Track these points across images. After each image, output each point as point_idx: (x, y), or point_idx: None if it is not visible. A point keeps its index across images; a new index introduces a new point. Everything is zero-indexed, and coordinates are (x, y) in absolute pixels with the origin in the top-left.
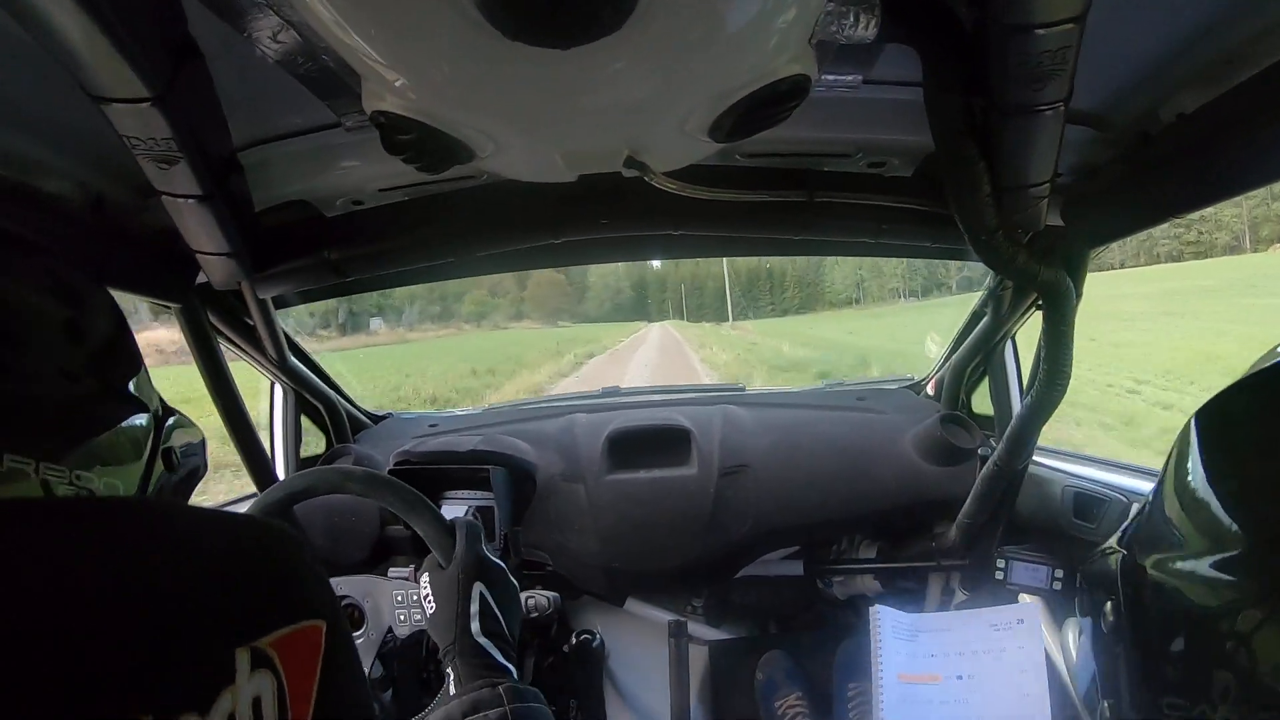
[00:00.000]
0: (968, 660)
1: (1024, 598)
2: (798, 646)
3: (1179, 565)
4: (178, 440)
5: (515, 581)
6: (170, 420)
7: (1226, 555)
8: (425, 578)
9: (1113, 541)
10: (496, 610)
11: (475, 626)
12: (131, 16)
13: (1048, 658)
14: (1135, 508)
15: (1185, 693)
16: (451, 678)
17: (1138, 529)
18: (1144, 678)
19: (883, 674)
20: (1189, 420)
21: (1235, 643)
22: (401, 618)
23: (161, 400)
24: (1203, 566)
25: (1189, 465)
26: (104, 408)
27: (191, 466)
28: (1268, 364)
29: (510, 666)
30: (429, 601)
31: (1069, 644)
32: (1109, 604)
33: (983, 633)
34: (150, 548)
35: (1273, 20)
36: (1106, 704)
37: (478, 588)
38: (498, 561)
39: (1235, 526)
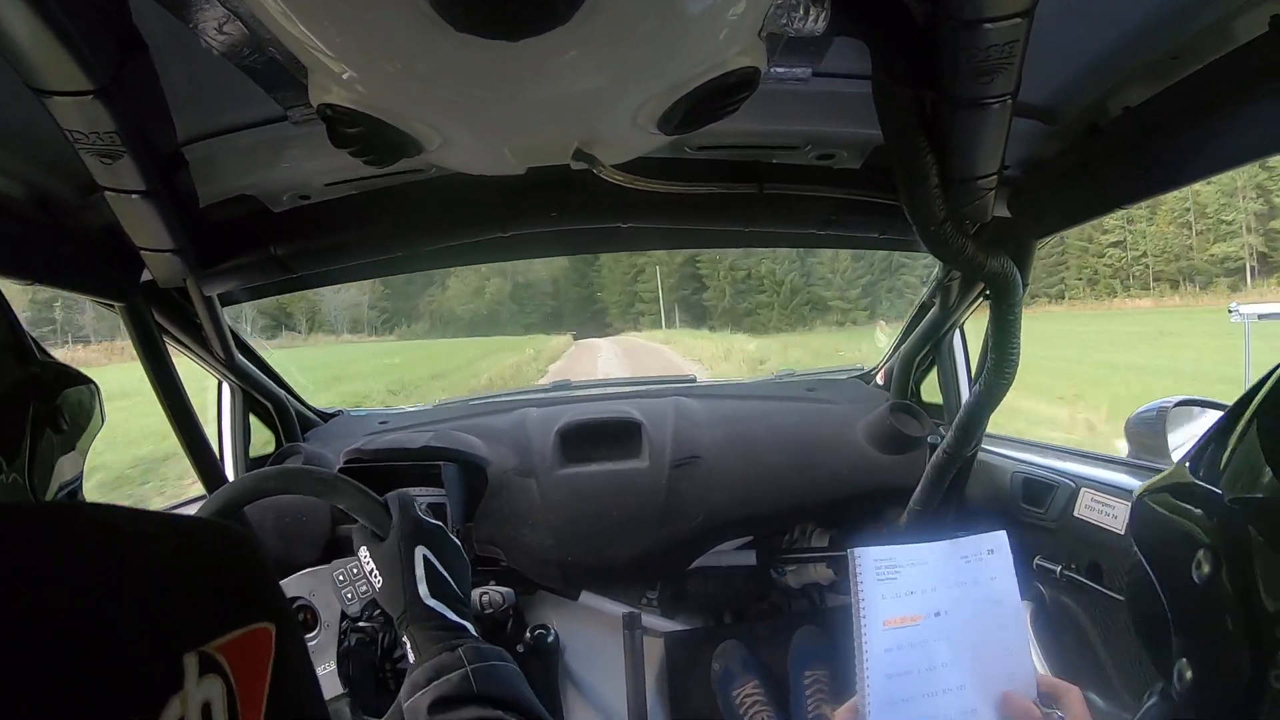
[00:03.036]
0: (942, 595)
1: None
2: (753, 636)
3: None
4: (71, 399)
5: (457, 540)
6: (52, 376)
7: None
8: (364, 552)
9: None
10: (443, 571)
11: (424, 590)
12: (75, 7)
13: None
14: (1090, 495)
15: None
16: (408, 646)
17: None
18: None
19: (866, 624)
20: (1250, 415)
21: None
22: (349, 595)
23: (39, 358)
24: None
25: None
26: None
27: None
28: None
29: (467, 624)
30: (375, 576)
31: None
32: (1202, 552)
33: (954, 564)
34: (89, 553)
35: (1216, 18)
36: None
37: (420, 552)
38: (435, 523)
39: None
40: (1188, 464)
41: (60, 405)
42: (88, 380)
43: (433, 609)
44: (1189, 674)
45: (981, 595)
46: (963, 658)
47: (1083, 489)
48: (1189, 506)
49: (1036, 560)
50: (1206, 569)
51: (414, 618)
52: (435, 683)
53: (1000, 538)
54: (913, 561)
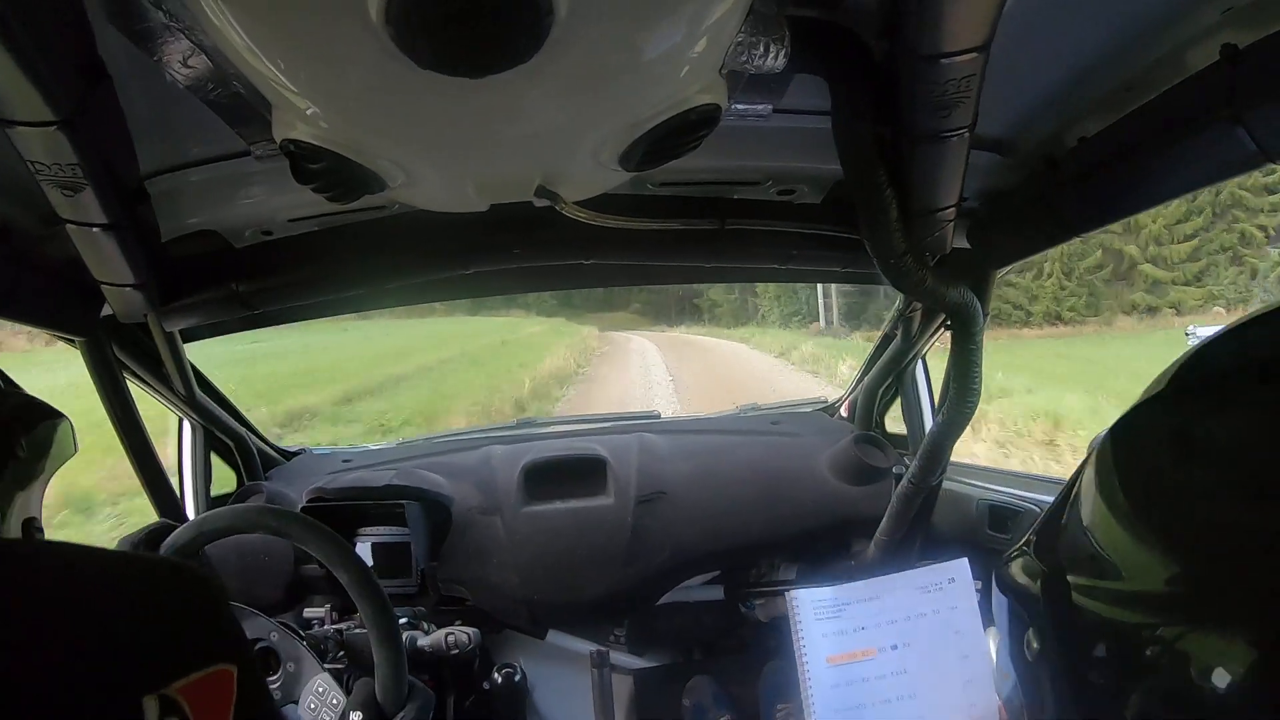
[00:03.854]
0: (900, 627)
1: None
2: (723, 671)
3: (1103, 585)
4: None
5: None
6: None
7: (1147, 572)
8: (357, 717)
9: (1023, 546)
10: None
11: None
12: (39, 37)
13: None
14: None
15: (1110, 707)
16: None
17: (1055, 540)
18: (1069, 694)
19: (808, 662)
20: (1104, 434)
21: (1157, 656)
22: (313, 706)
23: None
24: (1125, 585)
25: (1105, 479)
26: None
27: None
28: (1174, 367)
29: None
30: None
31: (989, 651)
32: (1031, 630)
33: (912, 596)
34: (46, 593)
35: (1168, 49)
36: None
37: None
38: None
39: (1153, 542)
40: (1034, 532)
41: (20, 439)
42: (57, 414)
43: None
44: None
45: (942, 625)
46: (921, 689)
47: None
48: (1023, 581)
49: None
50: (1035, 646)
51: None
52: None
53: (962, 566)
54: (862, 598)
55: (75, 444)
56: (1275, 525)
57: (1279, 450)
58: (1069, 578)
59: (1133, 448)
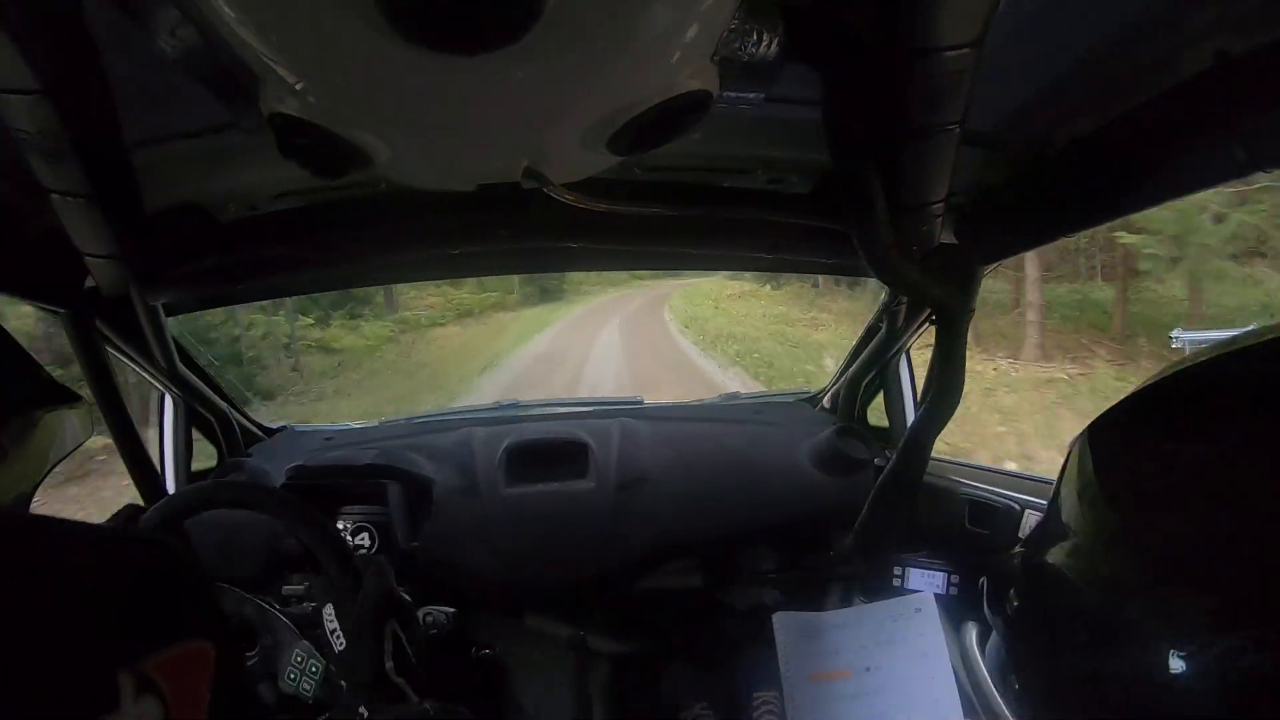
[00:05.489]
0: (872, 652)
1: None
2: (700, 658)
3: (1073, 556)
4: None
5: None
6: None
7: (1113, 544)
8: (329, 610)
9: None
10: (407, 646)
11: (390, 665)
12: (24, 3)
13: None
14: (1035, 518)
15: (1081, 672)
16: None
17: (1038, 532)
18: (1043, 657)
19: (790, 677)
20: (1083, 433)
21: (1119, 625)
22: (292, 677)
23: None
24: (1093, 553)
25: (1083, 472)
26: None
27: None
28: (1155, 379)
29: (427, 705)
30: (336, 637)
31: (968, 644)
32: (1011, 591)
33: (883, 625)
34: (27, 563)
35: (1161, 52)
36: (1008, 687)
37: (391, 625)
38: (407, 598)
39: (1118, 522)
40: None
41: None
42: (75, 398)
43: (397, 686)
44: None
45: (910, 651)
46: (892, 708)
47: (1027, 511)
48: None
49: (983, 581)
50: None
51: (377, 690)
52: None
53: (927, 598)
54: (837, 625)
55: (93, 428)
56: (1235, 536)
57: (1250, 473)
58: (1047, 555)
59: (1109, 446)
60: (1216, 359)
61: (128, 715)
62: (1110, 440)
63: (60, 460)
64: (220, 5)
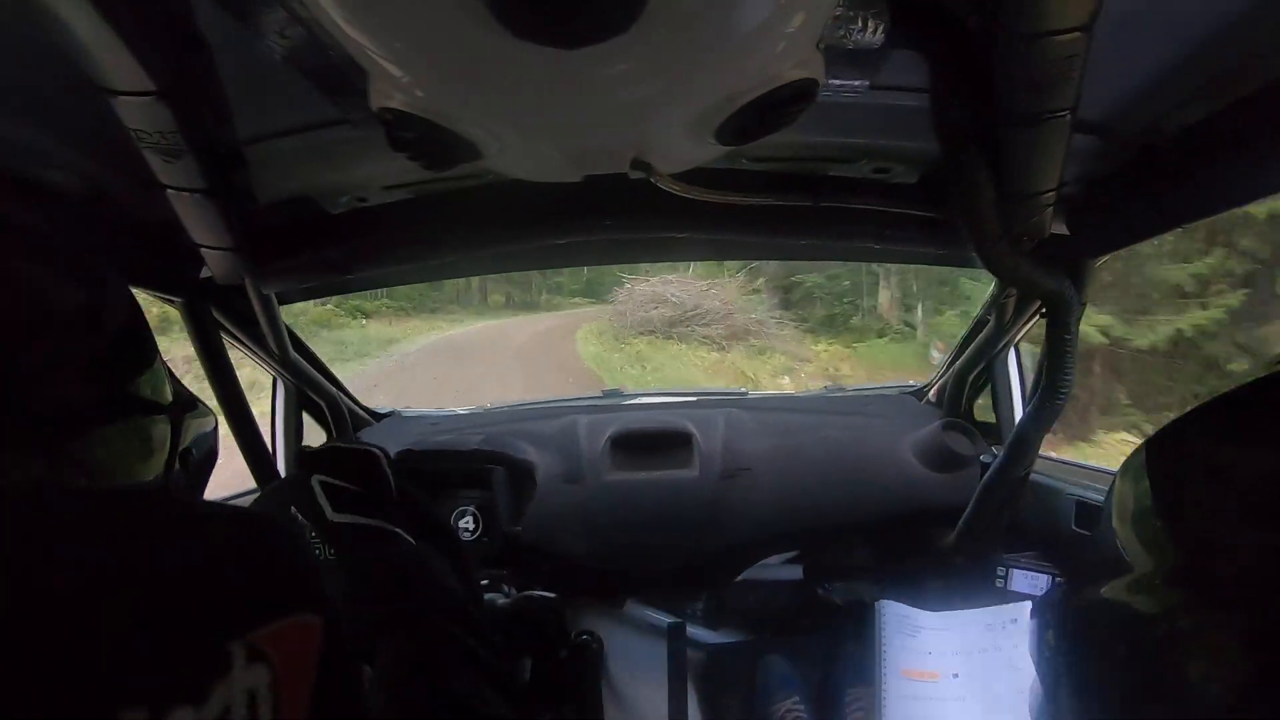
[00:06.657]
0: (962, 659)
1: None
2: (796, 651)
3: (1123, 583)
4: (193, 432)
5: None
6: (186, 415)
7: (1164, 569)
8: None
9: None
10: (345, 484)
11: (328, 511)
12: (138, 9)
13: None
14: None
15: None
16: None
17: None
18: (1086, 689)
19: (885, 669)
20: (1139, 448)
21: (1169, 651)
22: None
23: (176, 389)
24: (1143, 581)
25: (1138, 489)
26: (115, 409)
27: (203, 458)
28: (1212, 397)
29: (387, 526)
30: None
31: None
32: (1049, 632)
33: (978, 632)
34: (142, 539)
35: (1275, 37)
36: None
37: (315, 480)
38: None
39: (1172, 543)
40: None
41: (190, 447)
42: (206, 410)
43: (344, 524)
44: None
45: (1001, 661)
46: (974, 717)
47: None
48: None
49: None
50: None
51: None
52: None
53: (1024, 608)
54: (935, 626)
55: (217, 449)
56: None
57: None
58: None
59: (1167, 458)
60: None
61: (237, 681)
62: (1178, 457)
63: (205, 461)
64: (327, 4)
